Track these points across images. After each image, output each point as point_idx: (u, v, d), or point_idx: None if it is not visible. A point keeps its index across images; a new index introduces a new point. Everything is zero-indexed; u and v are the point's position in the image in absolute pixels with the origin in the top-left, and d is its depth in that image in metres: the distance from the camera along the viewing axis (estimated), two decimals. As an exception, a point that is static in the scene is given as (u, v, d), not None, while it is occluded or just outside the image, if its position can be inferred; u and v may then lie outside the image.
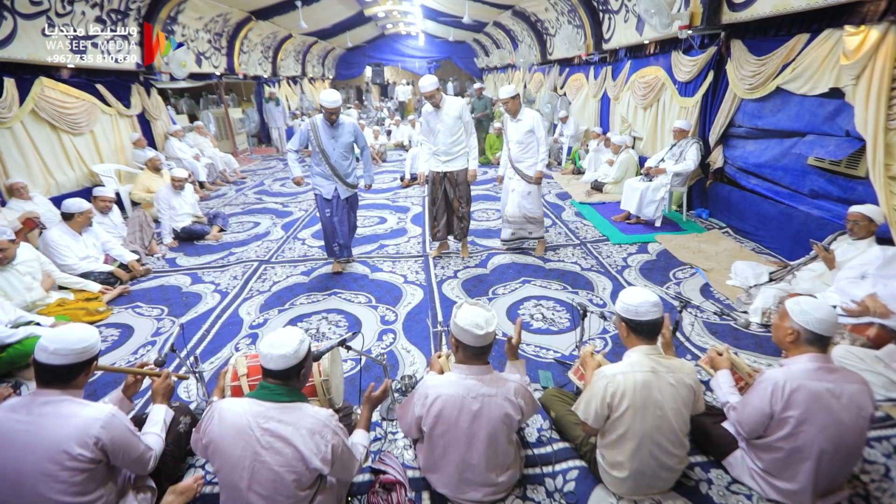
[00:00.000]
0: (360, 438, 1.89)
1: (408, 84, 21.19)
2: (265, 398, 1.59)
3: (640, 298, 1.80)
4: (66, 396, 1.58)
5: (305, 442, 1.54)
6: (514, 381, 1.84)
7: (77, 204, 4.07)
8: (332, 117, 3.81)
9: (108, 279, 4.08)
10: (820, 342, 1.75)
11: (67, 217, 4.03)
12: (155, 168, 6.12)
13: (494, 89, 17.90)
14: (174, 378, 2.12)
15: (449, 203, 4.35)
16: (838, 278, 2.94)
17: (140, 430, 1.87)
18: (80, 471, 1.51)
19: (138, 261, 4.44)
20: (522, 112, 4.17)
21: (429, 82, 3.93)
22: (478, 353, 1.81)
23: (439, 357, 2.30)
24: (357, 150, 4.18)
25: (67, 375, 1.60)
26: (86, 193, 5.11)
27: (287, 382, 1.64)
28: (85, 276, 3.94)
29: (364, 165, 4.32)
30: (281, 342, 1.62)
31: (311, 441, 1.55)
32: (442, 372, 2.20)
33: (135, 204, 6.09)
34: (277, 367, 1.60)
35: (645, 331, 1.81)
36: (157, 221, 5.43)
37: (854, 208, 3.14)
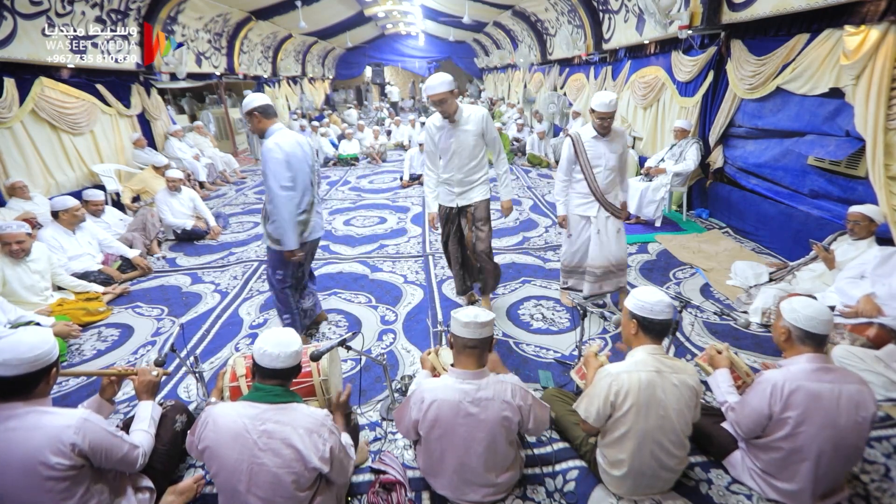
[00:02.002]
0: (346, 440, 1.90)
1: (394, 85, 22.03)
2: (260, 400, 1.58)
3: (655, 298, 1.81)
4: (29, 407, 1.50)
5: (304, 441, 1.54)
6: (511, 381, 1.83)
7: (62, 201, 4.08)
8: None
9: (107, 280, 4.08)
10: (813, 341, 1.75)
11: (55, 215, 4.06)
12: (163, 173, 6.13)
13: (495, 89, 17.92)
14: (154, 374, 2.04)
15: (464, 245, 3.38)
16: (839, 278, 2.95)
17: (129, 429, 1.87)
18: (62, 478, 1.48)
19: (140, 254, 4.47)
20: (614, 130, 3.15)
21: (438, 81, 2.87)
22: (468, 345, 1.78)
23: (429, 354, 2.30)
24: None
25: (25, 386, 1.50)
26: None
27: (286, 382, 1.65)
28: (84, 276, 3.94)
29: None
30: (285, 341, 1.63)
31: (310, 440, 1.55)
32: (434, 369, 2.20)
33: (135, 200, 6.10)
34: (284, 366, 1.61)
35: (655, 330, 1.81)
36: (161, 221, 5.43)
37: (854, 208, 3.14)
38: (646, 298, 1.82)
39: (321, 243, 5.09)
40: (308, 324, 3.19)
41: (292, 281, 2.96)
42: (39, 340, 1.53)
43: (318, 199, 2.91)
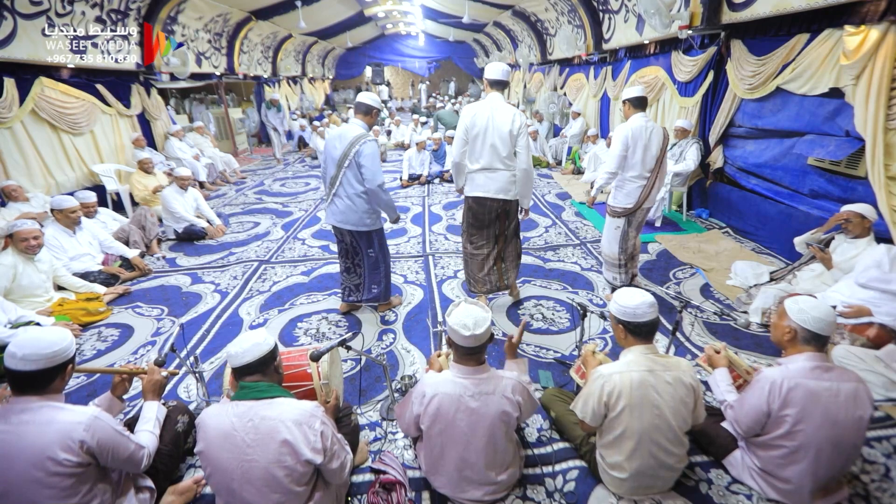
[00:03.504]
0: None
1: (384, 85, 22.38)
2: (246, 397, 1.59)
3: (636, 300, 1.79)
4: (44, 402, 1.54)
5: (293, 433, 1.53)
6: (511, 377, 1.84)
7: (59, 201, 4.07)
8: None
9: (107, 279, 4.08)
10: (817, 341, 1.76)
11: (54, 214, 4.06)
12: (145, 170, 6.08)
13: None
14: (163, 374, 2.09)
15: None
16: (854, 278, 2.86)
17: (134, 428, 1.87)
18: (69, 475, 1.49)
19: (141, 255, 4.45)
20: (629, 121, 3.30)
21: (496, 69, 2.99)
22: (468, 352, 1.80)
23: (439, 356, 2.30)
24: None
25: (42, 381, 1.54)
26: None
27: (265, 376, 1.65)
28: (84, 276, 3.94)
29: None
30: (246, 338, 1.66)
31: (299, 432, 1.54)
32: (441, 371, 2.21)
33: (136, 203, 6.10)
34: (254, 358, 1.62)
35: (643, 332, 1.81)
36: (160, 221, 5.43)
37: (845, 207, 3.13)
38: (627, 302, 1.80)
39: (320, 243, 5.11)
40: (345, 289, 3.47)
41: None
42: (58, 338, 1.59)
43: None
